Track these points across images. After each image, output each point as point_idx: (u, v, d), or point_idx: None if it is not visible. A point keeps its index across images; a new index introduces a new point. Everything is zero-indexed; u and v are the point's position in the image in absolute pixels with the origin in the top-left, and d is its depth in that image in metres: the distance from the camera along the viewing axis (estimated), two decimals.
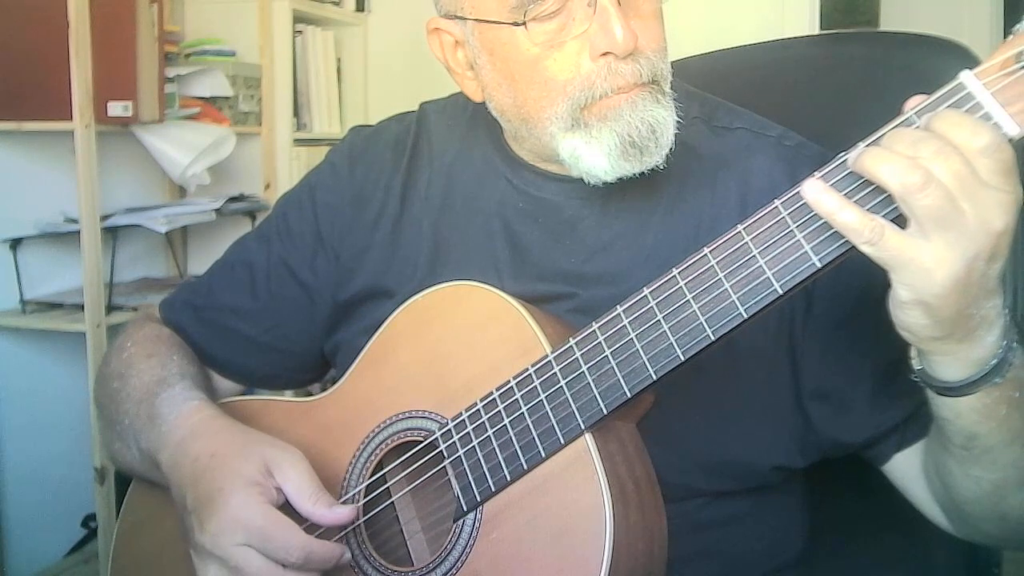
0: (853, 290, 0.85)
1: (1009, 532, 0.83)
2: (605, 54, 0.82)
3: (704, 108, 0.95)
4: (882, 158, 0.66)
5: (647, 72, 0.83)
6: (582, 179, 0.88)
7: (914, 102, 0.69)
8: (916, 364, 0.75)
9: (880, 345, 0.77)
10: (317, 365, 1.09)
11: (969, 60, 1.00)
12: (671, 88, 0.87)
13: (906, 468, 0.89)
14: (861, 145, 0.69)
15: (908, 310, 0.68)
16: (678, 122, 0.86)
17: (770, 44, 1.24)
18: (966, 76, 0.67)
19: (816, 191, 0.68)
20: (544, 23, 0.83)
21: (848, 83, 1.14)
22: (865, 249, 0.67)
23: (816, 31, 2.69)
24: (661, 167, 0.85)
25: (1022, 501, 0.80)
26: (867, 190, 0.68)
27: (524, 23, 0.83)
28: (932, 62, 1.07)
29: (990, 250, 0.66)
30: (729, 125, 0.94)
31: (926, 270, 0.66)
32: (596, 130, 0.84)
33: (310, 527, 0.85)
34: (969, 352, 0.71)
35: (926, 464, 0.86)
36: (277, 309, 1.05)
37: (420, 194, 0.99)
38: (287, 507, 0.83)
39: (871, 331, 0.75)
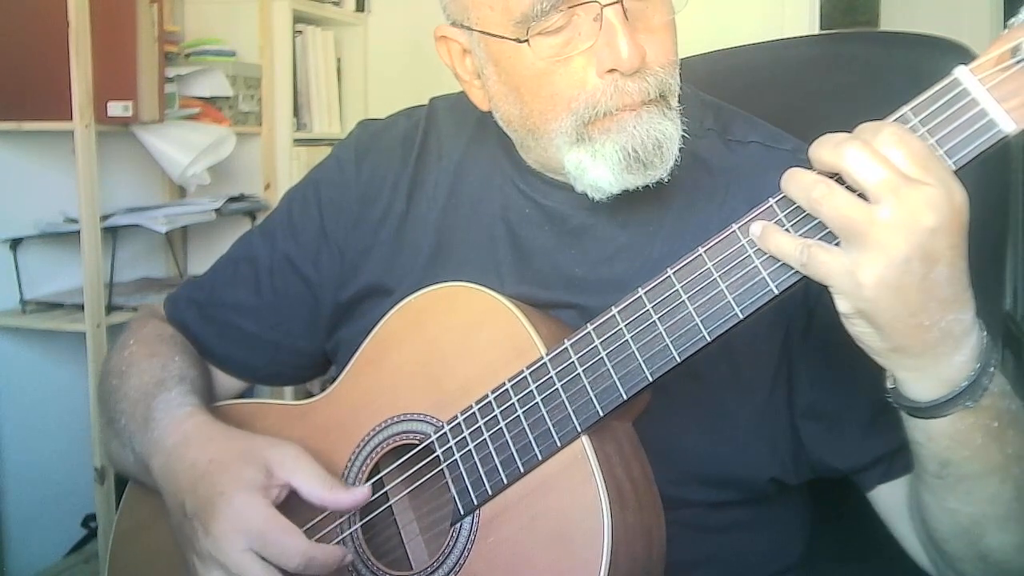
0: None
1: None
2: (611, 71, 0.81)
3: (719, 120, 0.94)
4: (787, 177, 0.69)
5: (655, 89, 0.82)
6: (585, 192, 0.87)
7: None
8: (890, 383, 0.74)
9: (874, 371, 0.75)
10: (320, 362, 1.09)
11: (969, 59, 0.99)
12: (682, 100, 0.86)
13: (890, 501, 0.87)
14: None
15: (852, 321, 0.69)
16: (684, 136, 0.85)
17: (770, 44, 1.23)
18: (961, 72, 0.67)
19: (756, 228, 0.71)
20: (549, 38, 0.82)
21: (848, 83, 1.13)
22: (803, 271, 0.69)
23: (816, 31, 2.69)
24: (666, 180, 0.85)
25: (1002, 543, 0.77)
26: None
27: (527, 40, 0.82)
28: (932, 62, 1.06)
29: (923, 250, 0.64)
30: (743, 139, 0.93)
31: (848, 273, 0.66)
32: (600, 144, 0.83)
33: (309, 531, 0.85)
34: (935, 371, 0.69)
35: (910, 500, 0.85)
36: (280, 306, 1.05)
37: (427, 192, 0.99)
38: (288, 504, 0.83)
39: (867, 356, 0.74)
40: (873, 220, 0.64)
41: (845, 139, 0.66)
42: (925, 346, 0.68)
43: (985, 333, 0.70)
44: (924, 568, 0.87)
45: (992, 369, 0.70)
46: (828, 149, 0.67)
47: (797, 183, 0.68)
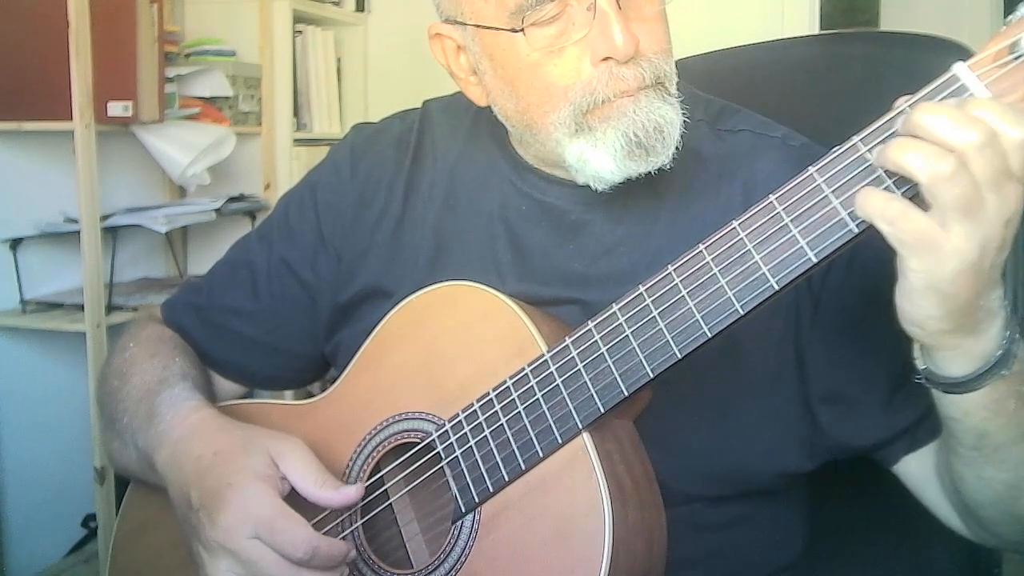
0: (862, 290, 0.85)
1: None
2: (606, 59, 0.81)
3: (708, 111, 0.95)
4: (910, 146, 0.64)
5: (650, 75, 0.83)
6: (588, 184, 0.87)
7: (905, 100, 0.69)
8: (920, 363, 0.74)
9: (890, 346, 0.76)
10: (319, 365, 1.09)
11: (968, 58, 1.00)
12: (677, 90, 0.86)
13: (918, 470, 0.88)
14: (855, 139, 0.68)
15: (919, 300, 0.67)
16: (685, 121, 0.85)
17: (770, 44, 1.23)
18: (959, 68, 0.67)
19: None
20: (543, 28, 0.82)
21: (848, 83, 1.14)
22: (882, 227, 0.65)
23: (816, 31, 2.69)
24: (668, 166, 0.85)
25: None
26: (871, 177, 0.67)
27: (522, 29, 0.82)
28: (932, 61, 1.06)
29: (1001, 239, 0.65)
30: (733, 128, 0.94)
31: (944, 257, 0.64)
32: (601, 132, 0.83)
33: (317, 524, 0.85)
34: (975, 345, 0.70)
35: (939, 467, 0.86)
36: (278, 310, 1.05)
37: (423, 194, 0.99)
38: (293, 499, 0.83)
39: (881, 332, 0.74)
40: (985, 209, 0.64)
41: (970, 122, 0.63)
42: (975, 324, 0.69)
43: (1008, 303, 0.72)
44: (958, 532, 0.88)
45: (1018, 336, 0.72)
46: (951, 125, 0.63)
47: (919, 154, 0.64)
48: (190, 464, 0.87)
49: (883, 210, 0.65)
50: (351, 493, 0.83)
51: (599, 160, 0.84)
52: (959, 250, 0.64)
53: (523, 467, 0.79)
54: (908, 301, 0.68)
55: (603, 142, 0.83)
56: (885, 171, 0.67)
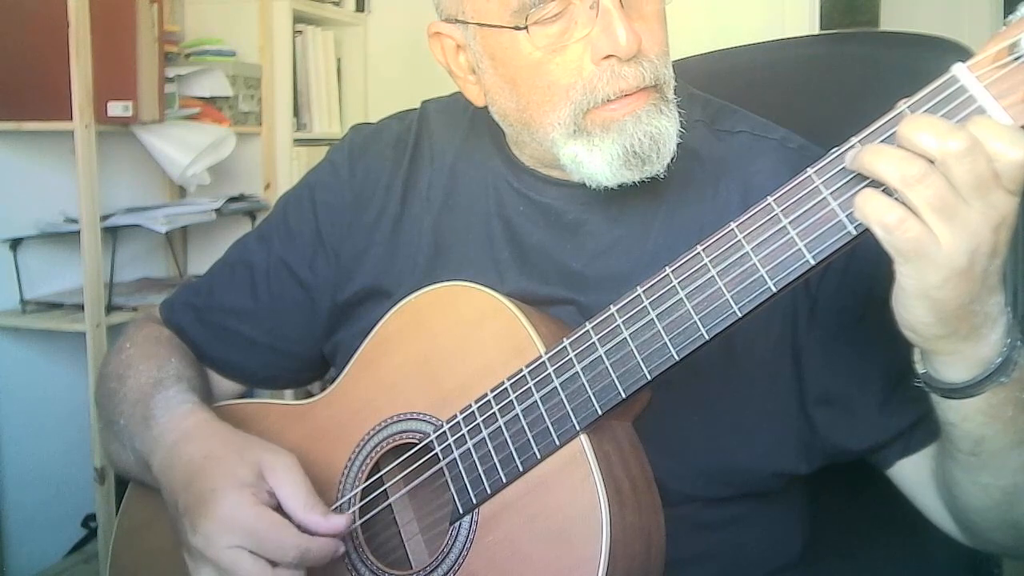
0: (858, 293, 0.85)
1: (1021, 541, 0.82)
2: (608, 57, 0.82)
3: (707, 111, 0.95)
4: (880, 154, 0.65)
5: (650, 75, 0.83)
6: (584, 184, 0.88)
7: (905, 101, 0.69)
8: (920, 368, 0.74)
9: (886, 349, 0.76)
10: (318, 365, 1.09)
11: (968, 58, 1.00)
12: (675, 92, 0.86)
13: (913, 475, 0.88)
14: (854, 140, 0.68)
15: (911, 304, 0.67)
16: (681, 131, 0.85)
17: (770, 44, 1.23)
18: (959, 69, 0.66)
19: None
20: (546, 26, 0.82)
21: (848, 83, 1.14)
22: (879, 232, 0.65)
23: (816, 31, 2.69)
24: (662, 175, 0.85)
25: None
26: (869, 179, 0.67)
27: (526, 27, 0.82)
28: (932, 61, 1.06)
29: (992, 245, 0.65)
30: (731, 129, 0.94)
31: (936, 265, 0.64)
32: (599, 139, 0.83)
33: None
34: (974, 351, 0.70)
35: (935, 472, 0.85)
36: (277, 310, 1.05)
37: (421, 194, 0.99)
38: (280, 510, 0.82)
39: (877, 335, 0.74)
40: (967, 214, 0.64)
41: (953, 129, 0.64)
42: (971, 330, 0.69)
43: (1009, 309, 0.71)
44: (952, 536, 0.88)
45: (1019, 343, 0.72)
46: (931, 135, 0.64)
47: (888, 161, 0.64)
48: (181, 468, 0.87)
49: (881, 216, 0.65)
50: (339, 522, 0.82)
51: (594, 164, 0.84)
52: (949, 257, 0.64)
53: (520, 469, 0.79)
54: (901, 306, 0.68)
55: (600, 149, 0.83)
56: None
